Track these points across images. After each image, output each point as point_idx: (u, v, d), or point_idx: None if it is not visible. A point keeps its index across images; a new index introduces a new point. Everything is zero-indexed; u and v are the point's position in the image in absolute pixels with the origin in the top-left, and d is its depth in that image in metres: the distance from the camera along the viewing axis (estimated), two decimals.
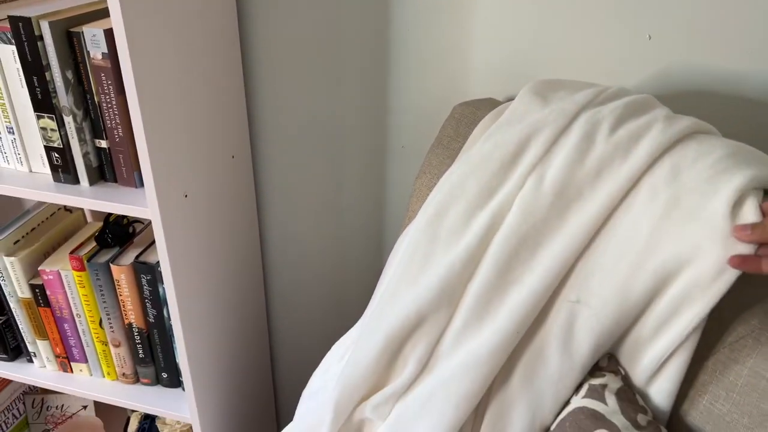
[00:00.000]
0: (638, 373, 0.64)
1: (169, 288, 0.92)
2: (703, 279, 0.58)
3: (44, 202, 1.09)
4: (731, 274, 0.57)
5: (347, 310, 1.23)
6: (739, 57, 0.81)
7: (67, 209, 1.13)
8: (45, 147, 0.88)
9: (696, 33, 0.81)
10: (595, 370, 0.66)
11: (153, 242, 1.02)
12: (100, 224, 1.09)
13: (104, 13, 0.86)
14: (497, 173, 0.70)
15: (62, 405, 1.36)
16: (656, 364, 0.62)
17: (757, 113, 0.83)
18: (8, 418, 1.32)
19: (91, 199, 0.87)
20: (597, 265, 0.63)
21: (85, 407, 1.36)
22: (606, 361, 0.66)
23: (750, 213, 0.57)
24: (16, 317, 1.08)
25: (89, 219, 1.20)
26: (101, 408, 1.36)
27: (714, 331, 0.60)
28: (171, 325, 1.00)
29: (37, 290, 1.04)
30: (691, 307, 0.59)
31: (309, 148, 1.08)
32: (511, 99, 0.93)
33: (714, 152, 0.63)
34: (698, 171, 0.61)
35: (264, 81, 1.04)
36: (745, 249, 0.57)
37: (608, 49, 0.86)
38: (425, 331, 0.70)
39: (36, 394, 1.35)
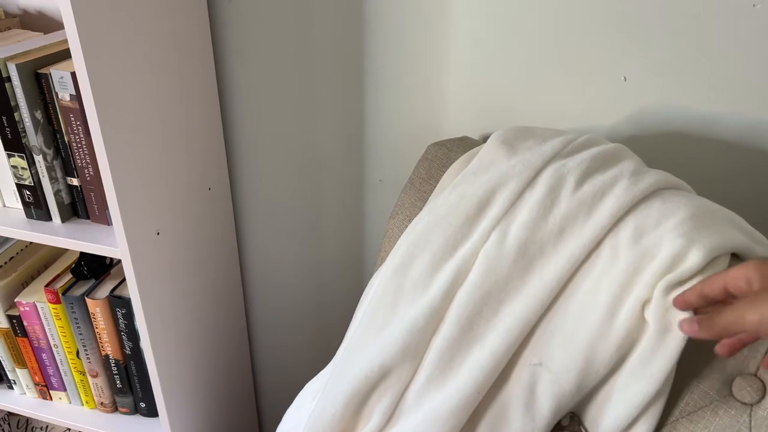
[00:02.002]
0: None
1: (141, 324, 0.92)
2: (647, 356, 0.58)
3: None
4: (670, 356, 0.57)
5: (328, 339, 1.22)
6: (714, 99, 0.80)
7: None
8: (16, 185, 0.88)
9: (671, 75, 0.80)
10: (556, 429, 0.65)
11: None
12: (77, 253, 1.09)
13: None
14: (462, 226, 0.69)
15: (47, 426, 1.37)
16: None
17: (731, 155, 0.82)
18: None
19: (60, 237, 0.87)
20: (558, 328, 0.62)
21: (69, 429, 1.36)
22: (568, 420, 0.65)
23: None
24: None
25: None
26: None
27: (673, 398, 0.59)
28: (146, 358, 0.99)
29: (14, 320, 1.04)
30: (641, 382, 0.58)
31: (288, 179, 1.07)
32: (486, 137, 0.92)
33: (677, 214, 0.61)
34: (659, 235, 0.60)
35: (242, 111, 1.03)
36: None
37: (584, 89, 0.85)
38: (390, 383, 0.70)
39: (21, 415, 1.35)
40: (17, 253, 1.08)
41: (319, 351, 1.24)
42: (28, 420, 1.36)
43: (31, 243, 1.10)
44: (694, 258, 0.57)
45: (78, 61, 0.72)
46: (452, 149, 0.84)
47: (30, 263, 1.07)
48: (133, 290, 0.88)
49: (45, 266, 1.10)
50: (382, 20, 0.89)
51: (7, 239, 1.09)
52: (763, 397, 0.55)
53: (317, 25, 0.92)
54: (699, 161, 0.84)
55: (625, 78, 0.82)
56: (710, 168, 0.84)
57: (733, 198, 0.84)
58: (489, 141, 0.74)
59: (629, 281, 0.60)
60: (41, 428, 1.37)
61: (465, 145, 0.85)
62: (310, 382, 0.87)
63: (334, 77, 0.95)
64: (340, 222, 1.08)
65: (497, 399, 0.65)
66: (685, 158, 0.84)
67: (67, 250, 1.14)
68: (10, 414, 1.35)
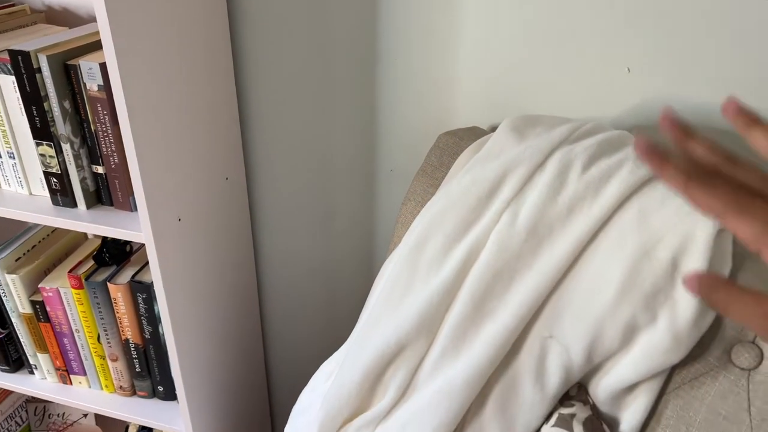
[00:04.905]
0: (607, 404, 0.67)
1: (162, 308, 0.95)
2: (662, 344, 0.62)
3: None
4: (679, 355, 0.61)
5: (339, 326, 1.26)
6: (718, 89, 0.83)
7: None
8: (44, 172, 0.91)
9: (675, 66, 0.84)
10: (564, 398, 0.68)
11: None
12: (99, 240, 1.13)
13: (101, 45, 0.89)
14: (474, 208, 0.72)
15: (63, 413, 1.40)
16: (613, 396, 0.65)
17: (734, 146, 0.85)
18: (11, 425, 1.36)
19: (87, 223, 0.90)
20: (568, 303, 0.66)
21: (85, 415, 1.39)
22: (576, 390, 0.69)
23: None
24: (17, 331, 1.12)
25: (89, 235, 1.23)
26: (101, 416, 1.40)
27: (676, 366, 0.63)
28: (166, 342, 1.03)
29: (37, 306, 1.07)
30: (645, 364, 0.62)
31: (302, 169, 1.10)
32: (495, 127, 0.96)
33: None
34: (665, 216, 0.63)
35: (257, 103, 1.07)
36: None
37: (589, 80, 0.88)
38: (405, 358, 0.73)
39: (38, 402, 1.39)
40: (39, 242, 1.11)
41: (330, 338, 1.28)
42: (45, 407, 1.40)
43: (53, 231, 1.13)
44: (701, 235, 0.61)
45: (109, 52, 0.75)
46: (463, 138, 0.88)
47: (52, 251, 1.11)
48: (155, 274, 0.92)
49: (66, 254, 1.13)
50: (395, 14, 0.92)
51: (30, 228, 1.12)
52: (760, 363, 0.58)
53: (331, 19, 0.96)
54: None
55: (629, 69, 0.86)
56: None
57: None
58: (499, 128, 0.78)
59: (638, 263, 0.63)
60: (58, 415, 1.40)
61: (475, 134, 0.89)
62: (324, 363, 0.91)
63: (347, 71, 0.99)
64: (352, 211, 1.12)
65: (508, 370, 0.68)
66: None
67: (87, 238, 1.18)
68: (27, 401, 1.38)
